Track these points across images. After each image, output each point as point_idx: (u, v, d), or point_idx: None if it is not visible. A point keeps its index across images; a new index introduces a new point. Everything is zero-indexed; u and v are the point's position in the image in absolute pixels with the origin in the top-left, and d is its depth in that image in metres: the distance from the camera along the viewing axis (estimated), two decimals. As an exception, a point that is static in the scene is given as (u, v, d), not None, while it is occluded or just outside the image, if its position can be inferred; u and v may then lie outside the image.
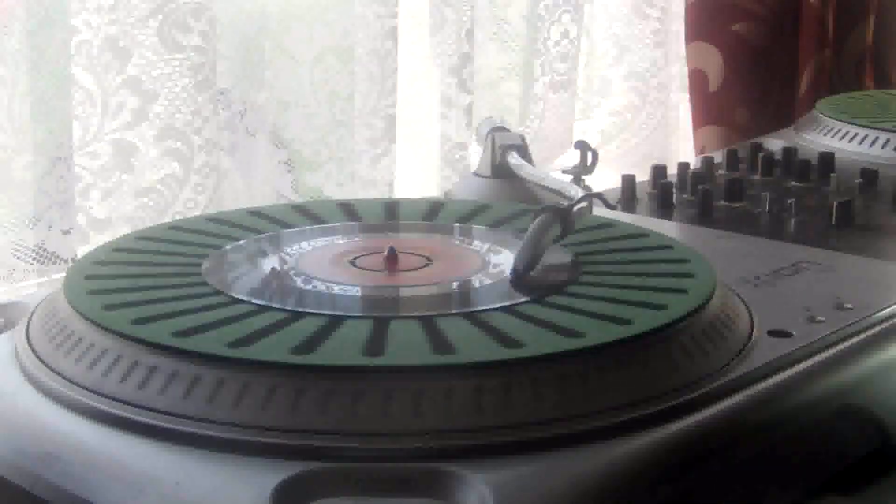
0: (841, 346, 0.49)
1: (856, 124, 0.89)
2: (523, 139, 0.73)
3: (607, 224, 0.59)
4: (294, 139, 0.86)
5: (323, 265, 0.52)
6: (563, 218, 0.52)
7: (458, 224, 0.59)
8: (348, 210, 0.61)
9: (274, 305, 0.47)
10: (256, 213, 0.60)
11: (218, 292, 0.48)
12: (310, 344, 0.42)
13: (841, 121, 0.90)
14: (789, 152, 0.83)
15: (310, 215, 0.60)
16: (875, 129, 0.88)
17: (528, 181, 0.70)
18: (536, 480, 0.37)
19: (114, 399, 0.41)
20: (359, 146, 0.88)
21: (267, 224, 0.58)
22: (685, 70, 1.17)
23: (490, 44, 1.02)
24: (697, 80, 1.17)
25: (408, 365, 0.41)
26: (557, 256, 0.53)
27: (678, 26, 1.16)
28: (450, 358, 0.42)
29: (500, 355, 0.42)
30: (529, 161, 0.71)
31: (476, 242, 0.57)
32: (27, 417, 0.42)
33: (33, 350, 0.45)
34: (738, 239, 0.64)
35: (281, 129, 0.85)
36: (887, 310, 0.52)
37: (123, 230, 0.75)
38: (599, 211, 0.62)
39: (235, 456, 0.38)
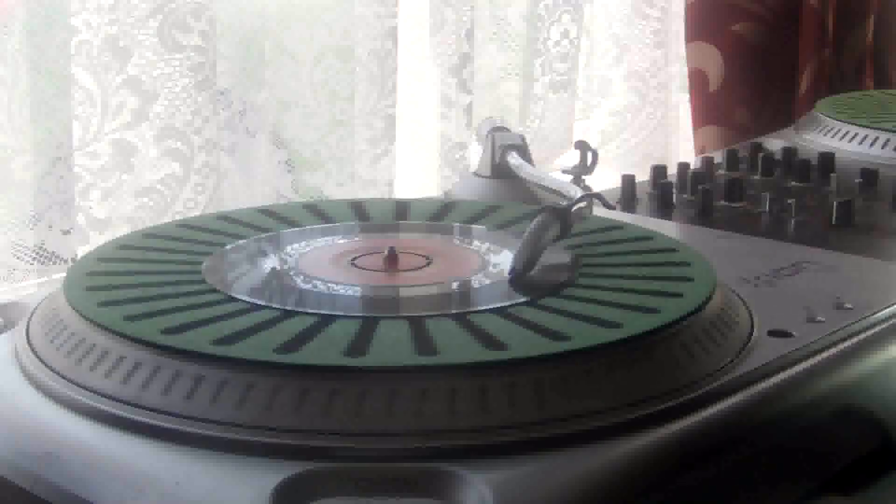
0: (841, 346, 0.49)
1: (856, 124, 0.89)
2: (523, 139, 0.73)
3: (613, 226, 0.59)
4: (294, 139, 0.86)
5: (324, 265, 0.52)
6: (562, 218, 0.52)
7: (458, 224, 0.59)
8: (401, 209, 0.61)
9: (274, 305, 0.47)
10: (310, 206, 0.61)
11: (218, 292, 0.48)
12: (311, 344, 0.42)
13: (841, 121, 0.90)
14: (789, 152, 0.83)
15: (363, 214, 0.60)
16: (875, 129, 0.87)
17: (527, 181, 0.70)
18: (536, 480, 0.37)
19: (114, 399, 0.41)
20: (359, 146, 0.88)
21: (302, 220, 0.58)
22: (685, 70, 1.17)
23: (490, 44, 1.02)
24: (697, 80, 1.17)
25: (408, 365, 0.41)
26: (557, 256, 0.53)
27: (678, 26, 1.16)
28: (451, 358, 0.42)
29: (500, 356, 0.42)
30: (529, 161, 0.71)
31: (476, 242, 0.57)
32: (27, 417, 0.42)
33: (33, 350, 0.45)
34: (738, 239, 0.64)
35: (281, 129, 0.85)
36: (887, 310, 0.52)
37: (123, 230, 0.75)
38: (599, 211, 0.62)
39: (235, 456, 0.38)
